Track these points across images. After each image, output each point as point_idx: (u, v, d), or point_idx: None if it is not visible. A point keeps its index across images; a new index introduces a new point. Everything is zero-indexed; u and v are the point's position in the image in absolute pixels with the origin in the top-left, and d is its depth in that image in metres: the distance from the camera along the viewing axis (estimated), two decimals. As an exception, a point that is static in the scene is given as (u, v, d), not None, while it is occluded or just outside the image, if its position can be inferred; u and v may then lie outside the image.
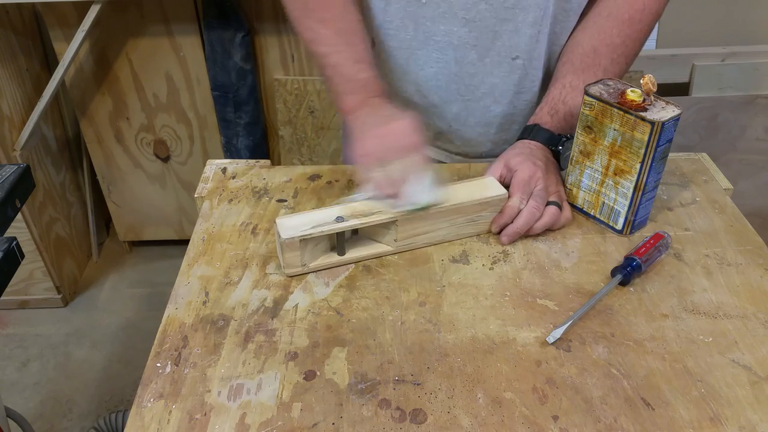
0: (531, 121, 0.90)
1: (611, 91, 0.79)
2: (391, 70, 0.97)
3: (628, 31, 0.87)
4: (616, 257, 0.80)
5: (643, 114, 0.75)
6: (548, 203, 0.82)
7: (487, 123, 0.98)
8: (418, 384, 0.65)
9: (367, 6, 0.93)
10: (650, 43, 1.91)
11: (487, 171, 0.86)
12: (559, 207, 0.82)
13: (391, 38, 0.93)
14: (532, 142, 0.87)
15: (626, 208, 0.81)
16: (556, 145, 0.87)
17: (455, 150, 1.04)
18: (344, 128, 1.16)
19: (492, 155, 1.00)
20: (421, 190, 0.77)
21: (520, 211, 0.81)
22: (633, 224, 0.83)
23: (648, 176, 0.78)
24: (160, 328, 0.71)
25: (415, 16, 0.89)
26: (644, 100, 0.76)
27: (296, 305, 0.74)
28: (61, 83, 1.82)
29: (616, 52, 0.87)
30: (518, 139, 0.90)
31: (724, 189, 0.92)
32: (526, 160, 0.84)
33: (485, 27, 0.87)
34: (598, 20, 0.88)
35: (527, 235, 0.82)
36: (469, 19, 0.86)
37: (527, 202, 0.81)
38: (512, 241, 0.82)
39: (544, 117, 0.89)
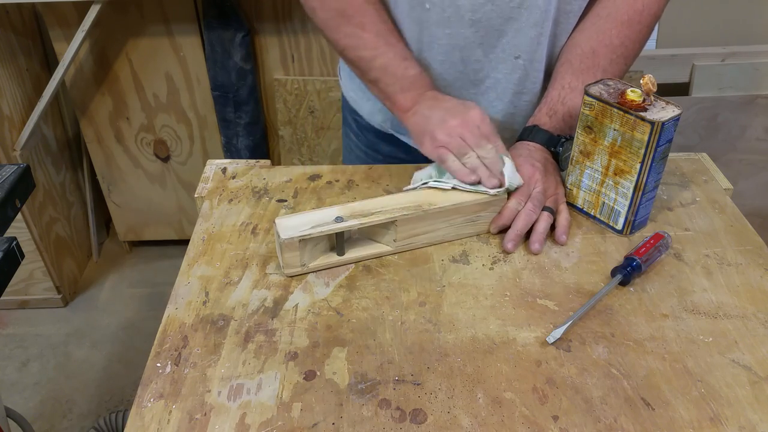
0: (530, 122, 0.90)
1: (611, 91, 0.79)
2: None
3: (627, 32, 0.87)
4: (616, 257, 0.80)
5: (643, 114, 0.75)
6: (542, 209, 0.82)
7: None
8: (418, 384, 0.65)
9: None
10: (650, 43, 1.91)
11: None
12: (552, 212, 0.82)
13: None
14: (531, 143, 0.87)
15: (626, 208, 0.81)
16: (555, 146, 0.87)
17: None
18: (345, 128, 1.16)
19: None
20: (507, 174, 0.81)
21: (518, 212, 0.81)
22: (633, 224, 0.83)
23: (648, 176, 0.78)
24: (160, 328, 0.71)
25: (419, 20, 0.89)
26: (644, 100, 0.76)
27: (296, 305, 0.74)
28: (61, 83, 1.82)
29: (615, 53, 0.87)
30: (517, 140, 0.90)
31: (724, 189, 0.92)
32: (524, 161, 0.84)
33: (491, 27, 0.87)
34: (596, 21, 0.88)
35: (527, 237, 0.82)
36: (475, 20, 0.86)
37: (525, 203, 0.81)
38: (517, 246, 0.81)
39: (542, 118, 0.89)
